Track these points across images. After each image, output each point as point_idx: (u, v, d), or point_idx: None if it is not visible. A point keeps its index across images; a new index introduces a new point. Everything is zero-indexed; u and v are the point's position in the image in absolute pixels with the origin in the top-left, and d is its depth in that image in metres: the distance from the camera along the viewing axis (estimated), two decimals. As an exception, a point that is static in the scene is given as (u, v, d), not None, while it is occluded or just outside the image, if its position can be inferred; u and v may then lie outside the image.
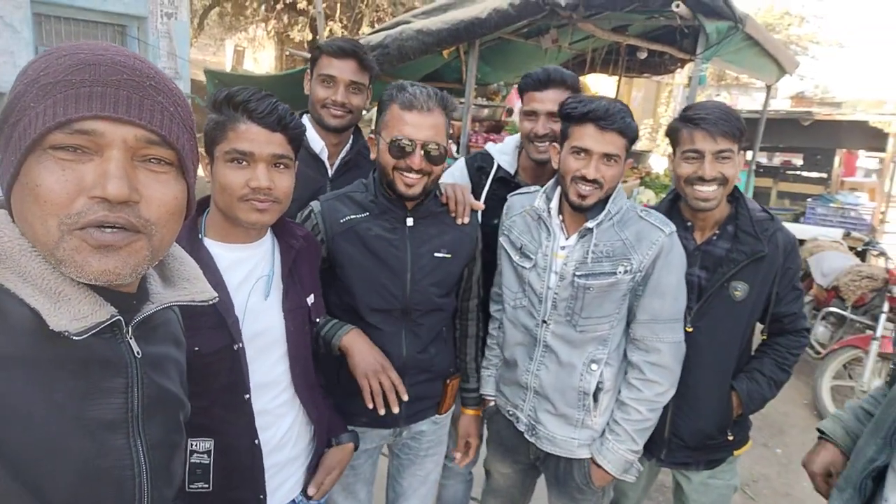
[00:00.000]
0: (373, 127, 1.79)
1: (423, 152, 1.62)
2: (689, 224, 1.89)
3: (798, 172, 8.14)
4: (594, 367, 1.76)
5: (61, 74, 0.70)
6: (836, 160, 7.77)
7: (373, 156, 1.73)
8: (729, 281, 1.81)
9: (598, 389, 1.77)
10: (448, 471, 2.34)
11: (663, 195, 2.41)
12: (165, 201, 0.76)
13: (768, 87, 5.97)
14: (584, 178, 1.67)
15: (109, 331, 0.76)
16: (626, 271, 1.70)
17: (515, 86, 7.77)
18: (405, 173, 1.63)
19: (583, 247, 1.73)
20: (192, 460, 1.34)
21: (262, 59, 15.52)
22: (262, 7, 13.22)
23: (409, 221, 1.74)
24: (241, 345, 1.34)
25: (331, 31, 10.50)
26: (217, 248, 1.38)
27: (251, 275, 1.41)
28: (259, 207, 1.32)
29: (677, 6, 3.07)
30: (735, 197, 1.88)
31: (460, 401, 2.03)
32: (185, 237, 1.33)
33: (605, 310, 1.74)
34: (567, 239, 1.78)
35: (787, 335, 1.91)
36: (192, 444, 1.34)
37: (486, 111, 5.62)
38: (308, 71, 2.13)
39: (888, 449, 1.36)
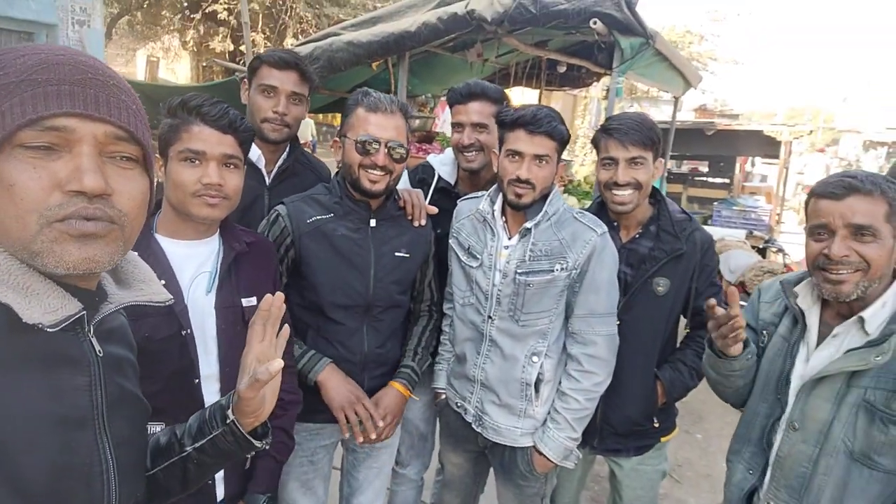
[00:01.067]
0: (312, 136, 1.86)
1: (386, 150, 1.73)
2: (615, 224, 2.03)
3: (704, 178, 8.77)
4: (535, 359, 1.87)
5: (24, 74, 0.70)
6: (737, 167, 8.44)
7: (337, 157, 1.81)
8: (652, 277, 1.94)
9: (538, 381, 1.88)
10: (399, 476, 2.39)
11: (586, 201, 2.58)
12: (134, 195, 0.79)
13: (675, 100, 6.43)
14: (518, 179, 1.79)
15: (73, 329, 0.77)
16: (562, 269, 1.82)
17: (443, 98, 7.95)
18: (370, 170, 1.74)
19: (523, 246, 1.85)
20: None
21: (178, 70, 14.97)
22: (178, 17, 12.79)
23: (372, 222, 1.85)
24: (189, 330, 1.40)
25: (253, 41, 10.31)
26: (167, 244, 1.46)
27: (198, 270, 1.48)
28: (210, 203, 1.42)
29: (594, 23, 3.29)
30: (657, 199, 2.03)
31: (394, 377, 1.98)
32: None
33: (544, 305, 1.86)
34: (510, 239, 1.90)
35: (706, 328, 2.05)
36: None
37: (417, 122, 5.74)
38: (245, 80, 2.15)
39: (778, 401, 1.56)
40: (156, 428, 1.37)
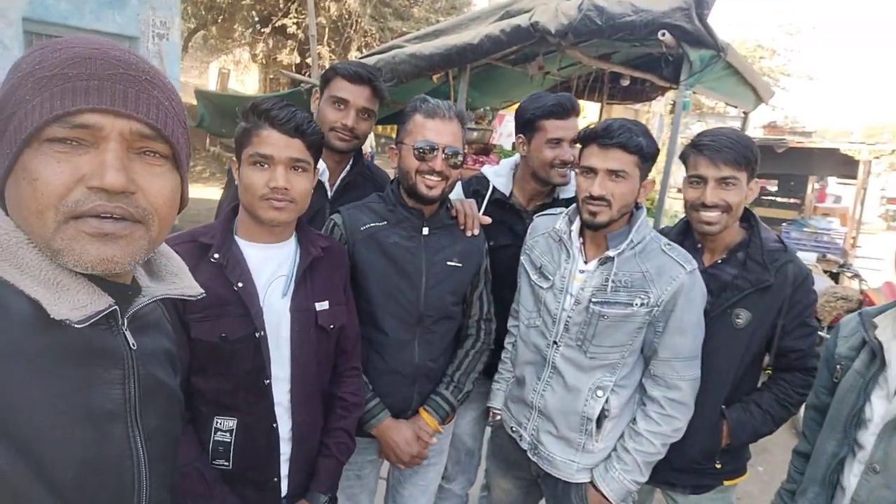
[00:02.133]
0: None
1: (444, 156, 1.73)
2: (700, 246, 1.91)
3: (773, 198, 8.39)
4: (600, 393, 1.77)
5: (57, 68, 0.71)
6: (809, 186, 8.03)
7: (393, 164, 1.82)
8: (732, 307, 1.81)
9: (602, 416, 1.77)
10: (444, 491, 2.36)
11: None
12: (162, 192, 0.78)
13: (745, 115, 6.19)
14: (591, 196, 1.70)
15: (105, 322, 0.77)
16: (642, 304, 1.70)
17: (501, 111, 7.92)
18: (427, 176, 1.75)
19: (602, 274, 1.74)
20: (216, 438, 1.44)
21: (247, 82, 15.63)
22: (249, 31, 13.35)
23: (425, 231, 1.83)
24: (263, 333, 1.44)
25: (319, 54, 10.62)
26: (245, 246, 1.50)
27: (275, 273, 1.52)
28: (276, 206, 1.45)
29: (663, 35, 3.19)
30: (751, 224, 1.89)
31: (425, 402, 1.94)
32: (219, 233, 1.46)
33: (617, 339, 1.75)
34: (586, 263, 1.81)
35: (794, 372, 1.87)
36: (216, 422, 1.43)
37: (475, 134, 5.74)
38: (316, 90, 2.17)
39: (846, 439, 1.45)
40: (228, 423, 1.43)
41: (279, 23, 11.55)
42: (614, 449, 1.82)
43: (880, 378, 1.45)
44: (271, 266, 1.52)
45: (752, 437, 1.90)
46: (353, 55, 11.12)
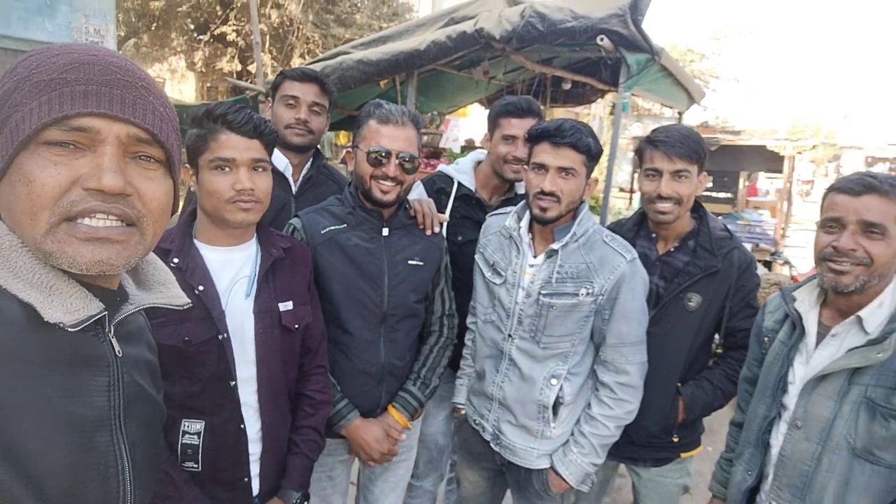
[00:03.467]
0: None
1: (397, 161, 1.76)
2: (654, 236, 2.02)
3: (709, 193, 8.81)
4: (554, 381, 1.84)
5: (55, 73, 0.71)
6: (741, 182, 8.48)
7: (350, 168, 1.86)
8: (684, 291, 1.92)
9: (557, 403, 1.85)
10: (414, 489, 2.40)
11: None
12: (156, 196, 0.79)
13: (679, 115, 6.49)
14: (542, 192, 1.77)
15: (93, 329, 0.77)
16: (587, 293, 1.78)
17: (448, 115, 7.98)
18: (381, 181, 1.77)
19: (549, 267, 1.82)
20: (184, 441, 1.44)
21: (184, 91, 15.19)
22: (185, 38, 12.99)
23: (385, 232, 1.87)
24: (226, 335, 1.45)
25: (262, 62, 10.47)
26: (206, 250, 1.51)
27: (237, 275, 1.53)
28: (244, 207, 1.47)
29: (601, 40, 3.35)
30: (700, 214, 2.01)
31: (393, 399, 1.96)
32: (178, 238, 1.47)
33: (567, 328, 1.82)
34: (535, 257, 1.87)
35: (741, 350, 1.96)
36: (184, 425, 1.44)
37: (425, 138, 5.82)
38: (268, 99, 2.25)
39: (774, 402, 1.60)
40: (195, 425, 1.43)
41: (218, 30, 11.30)
42: (571, 434, 1.90)
43: (800, 345, 1.59)
44: (233, 269, 1.53)
45: (705, 410, 2.03)
46: (296, 62, 11.01)
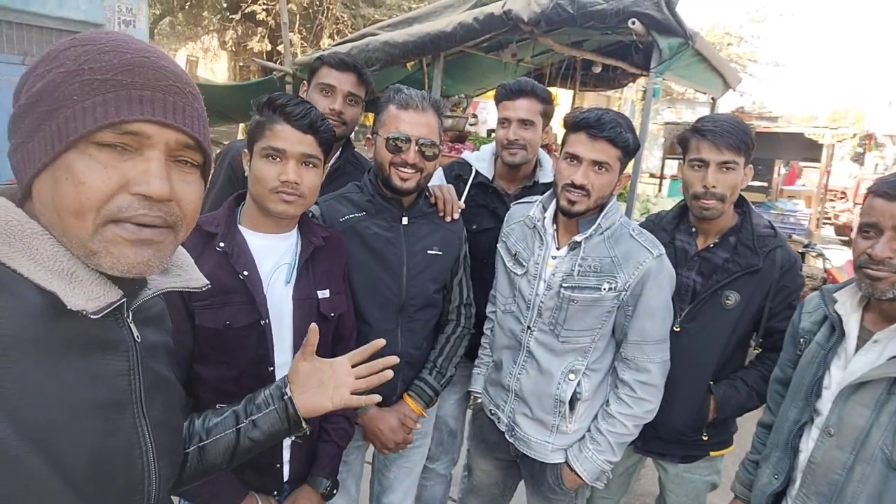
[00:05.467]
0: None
1: (417, 148, 1.73)
2: (694, 230, 1.95)
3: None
4: (572, 376, 1.81)
5: (109, 73, 0.71)
6: (776, 170, 8.25)
7: (370, 155, 1.84)
8: (722, 289, 1.86)
9: (575, 398, 1.81)
10: (427, 471, 2.41)
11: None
12: (192, 200, 0.81)
13: (714, 101, 6.31)
14: (572, 184, 1.71)
15: (112, 315, 0.78)
16: (610, 288, 1.73)
17: (475, 98, 7.90)
18: (401, 168, 1.75)
19: (571, 259, 1.77)
20: None
21: (216, 70, 15.33)
22: (217, 17, 13.07)
23: (405, 220, 1.85)
24: (267, 321, 1.47)
25: (290, 42, 10.49)
26: (249, 235, 1.52)
27: (278, 262, 1.54)
28: (286, 199, 1.47)
29: (633, 23, 3.25)
30: (744, 210, 1.93)
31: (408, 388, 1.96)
32: (223, 222, 1.49)
33: (588, 323, 1.78)
34: (559, 249, 1.83)
35: (779, 351, 1.88)
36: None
37: (450, 121, 5.76)
38: (305, 82, 2.23)
39: (807, 407, 1.54)
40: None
41: (248, 9, 11.32)
42: (588, 430, 1.87)
43: (839, 349, 1.53)
44: (275, 255, 1.54)
45: (737, 411, 1.97)
46: (325, 43, 10.99)
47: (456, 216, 1.97)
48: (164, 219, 0.76)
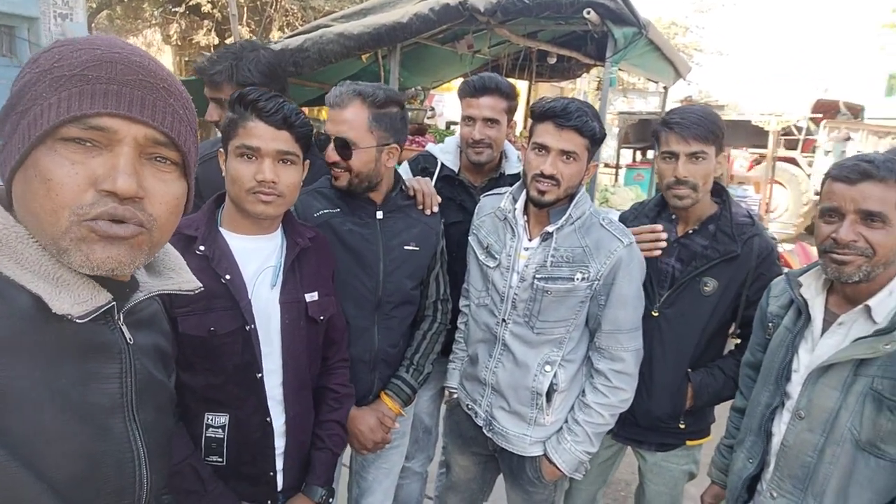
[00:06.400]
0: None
1: (332, 146, 1.70)
2: (674, 217, 1.97)
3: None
4: (548, 368, 1.80)
5: (77, 69, 0.71)
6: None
7: None
8: (700, 275, 1.87)
9: (551, 390, 1.81)
10: (403, 469, 2.35)
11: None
12: (167, 199, 0.78)
13: (665, 89, 6.45)
14: (541, 174, 1.70)
15: (103, 318, 0.77)
16: (583, 278, 1.73)
17: (431, 91, 7.85)
18: (332, 168, 1.73)
19: (544, 250, 1.76)
20: (208, 434, 1.42)
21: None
22: (159, 10, 12.59)
23: (379, 215, 1.81)
24: (252, 326, 1.41)
25: (240, 35, 10.18)
26: (231, 238, 1.46)
27: (262, 264, 1.49)
28: (264, 199, 1.41)
29: (588, 13, 3.28)
30: (723, 199, 1.96)
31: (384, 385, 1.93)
32: (203, 225, 1.42)
33: (562, 314, 1.78)
34: (530, 240, 1.82)
35: None
36: (208, 419, 1.41)
37: (409, 114, 5.71)
38: None
39: (778, 390, 1.57)
40: (219, 419, 1.42)
41: (193, 2, 10.93)
42: (565, 421, 1.87)
43: (806, 332, 1.55)
44: (258, 258, 1.48)
45: (714, 399, 1.98)
46: (275, 35, 10.71)
47: (435, 209, 1.93)
48: (136, 216, 0.75)
